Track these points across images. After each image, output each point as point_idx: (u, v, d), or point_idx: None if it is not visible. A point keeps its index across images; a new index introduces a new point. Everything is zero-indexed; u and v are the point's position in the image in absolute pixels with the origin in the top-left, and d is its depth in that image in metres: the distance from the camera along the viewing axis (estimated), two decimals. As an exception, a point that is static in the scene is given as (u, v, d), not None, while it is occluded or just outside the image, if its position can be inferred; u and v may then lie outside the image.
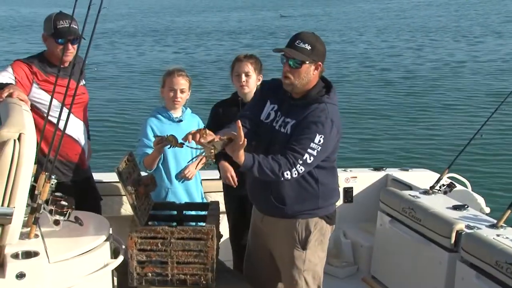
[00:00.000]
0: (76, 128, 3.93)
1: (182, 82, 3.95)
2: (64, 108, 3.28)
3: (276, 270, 3.58)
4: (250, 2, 67.24)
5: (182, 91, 3.95)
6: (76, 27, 3.73)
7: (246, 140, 2.96)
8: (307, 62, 3.22)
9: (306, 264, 3.44)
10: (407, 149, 11.14)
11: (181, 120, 3.99)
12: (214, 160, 3.06)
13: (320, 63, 3.28)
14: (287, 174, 3.11)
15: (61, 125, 3.31)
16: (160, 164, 3.88)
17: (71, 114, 3.58)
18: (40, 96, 3.75)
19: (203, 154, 3.02)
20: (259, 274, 3.66)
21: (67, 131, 3.73)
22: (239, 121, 3.00)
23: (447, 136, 11.78)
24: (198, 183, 4.09)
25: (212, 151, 2.97)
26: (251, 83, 4.07)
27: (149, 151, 3.80)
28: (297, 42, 3.22)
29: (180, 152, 3.84)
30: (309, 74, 3.26)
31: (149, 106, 14.09)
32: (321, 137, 3.15)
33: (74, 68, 3.54)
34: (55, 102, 3.58)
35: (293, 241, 3.42)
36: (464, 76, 18.84)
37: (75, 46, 3.74)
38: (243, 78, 4.04)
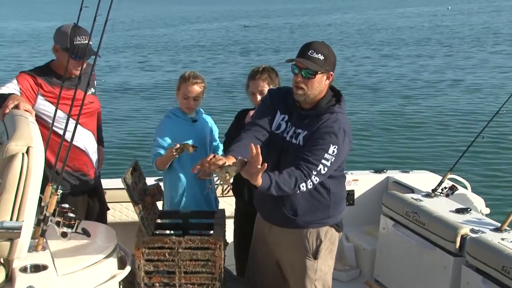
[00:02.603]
0: (83, 138, 3.90)
1: (196, 90, 3.91)
2: (70, 119, 3.26)
3: (282, 279, 3.57)
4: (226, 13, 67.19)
5: (195, 99, 3.92)
6: (91, 43, 3.68)
7: (266, 164, 2.86)
8: (320, 72, 3.20)
9: (318, 274, 3.44)
10: (407, 151, 11.20)
11: (196, 120, 3.98)
12: (230, 187, 2.99)
13: (331, 72, 3.26)
14: (303, 186, 3.09)
15: (68, 135, 3.30)
16: (175, 164, 3.85)
17: (78, 125, 3.57)
18: (46, 107, 3.71)
19: (218, 182, 2.97)
20: (263, 282, 3.64)
21: (74, 142, 3.71)
22: (258, 146, 2.84)
23: (447, 138, 11.86)
24: (212, 183, 4.07)
25: (227, 176, 2.93)
26: None
27: (162, 151, 3.81)
28: (310, 52, 3.18)
29: (197, 152, 3.81)
30: (321, 84, 3.24)
31: (154, 114, 14.18)
32: (335, 147, 3.14)
33: (81, 78, 3.51)
34: (61, 113, 3.56)
35: (304, 251, 3.41)
36: (466, 78, 18.99)
37: (86, 61, 3.70)
38: (258, 97, 3.92)
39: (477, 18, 47.94)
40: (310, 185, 3.12)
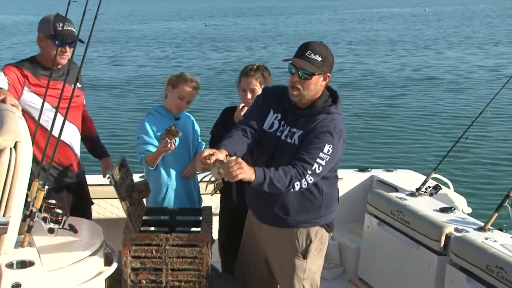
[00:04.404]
0: (68, 132, 3.85)
1: (193, 93, 3.93)
2: (57, 112, 3.23)
3: (270, 276, 3.57)
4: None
5: (188, 102, 3.94)
6: (74, 30, 3.68)
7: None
8: (317, 74, 3.17)
9: (306, 273, 3.44)
10: (391, 150, 11.29)
11: (178, 118, 3.97)
12: (221, 184, 3.02)
13: (329, 74, 3.23)
14: (297, 185, 3.08)
15: (54, 129, 3.26)
16: (159, 162, 3.85)
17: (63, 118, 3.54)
18: (32, 99, 3.67)
19: (211, 179, 3.01)
20: (252, 279, 3.64)
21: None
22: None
23: (431, 138, 11.98)
24: (196, 182, 4.08)
25: (218, 177, 2.95)
26: None
27: (150, 148, 3.80)
28: (308, 53, 3.14)
29: (180, 150, 3.83)
30: (318, 86, 3.22)
31: (139, 109, 14.20)
32: (330, 147, 3.13)
33: (69, 74, 3.47)
34: (48, 105, 3.53)
35: (294, 250, 3.41)
36: (450, 79, 19.20)
37: (71, 49, 3.68)
38: (249, 95, 3.92)
39: (454, 19, 48.55)
40: (305, 184, 3.11)
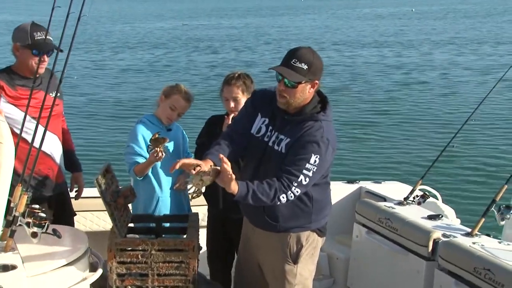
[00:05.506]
0: (49, 143, 3.81)
1: (186, 107, 3.93)
2: (37, 123, 3.22)
3: (264, 282, 3.52)
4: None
5: (180, 114, 3.93)
6: (51, 38, 3.68)
7: (233, 174, 2.94)
8: (304, 82, 3.11)
9: (297, 278, 3.39)
10: (377, 161, 11.29)
11: (170, 129, 3.96)
12: (200, 193, 3.03)
13: (316, 81, 3.18)
14: (283, 198, 3.05)
15: (33, 140, 3.25)
16: (150, 173, 3.82)
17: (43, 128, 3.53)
18: (9, 111, 3.63)
19: (190, 186, 3.02)
20: (248, 284, 3.62)
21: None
22: (223, 157, 2.96)
23: (416, 149, 11.98)
24: (187, 194, 4.06)
25: (201, 183, 2.95)
26: (240, 107, 3.87)
27: (139, 159, 3.75)
28: (293, 61, 3.07)
29: (171, 161, 3.81)
30: (305, 93, 3.16)
31: (122, 117, 14.12)
32: (316, 157, 3.08)
33: (50, 82, 3.47)
34: (27, 117, 3.50)
35: (284, 255, 3.37)
36: (435, 88, 19.15)
37: (49, 58, 3.67)
38: (231, 104, 3.93)
39: (440, 20, 48.79)
40: (291, 196, 3.08)
